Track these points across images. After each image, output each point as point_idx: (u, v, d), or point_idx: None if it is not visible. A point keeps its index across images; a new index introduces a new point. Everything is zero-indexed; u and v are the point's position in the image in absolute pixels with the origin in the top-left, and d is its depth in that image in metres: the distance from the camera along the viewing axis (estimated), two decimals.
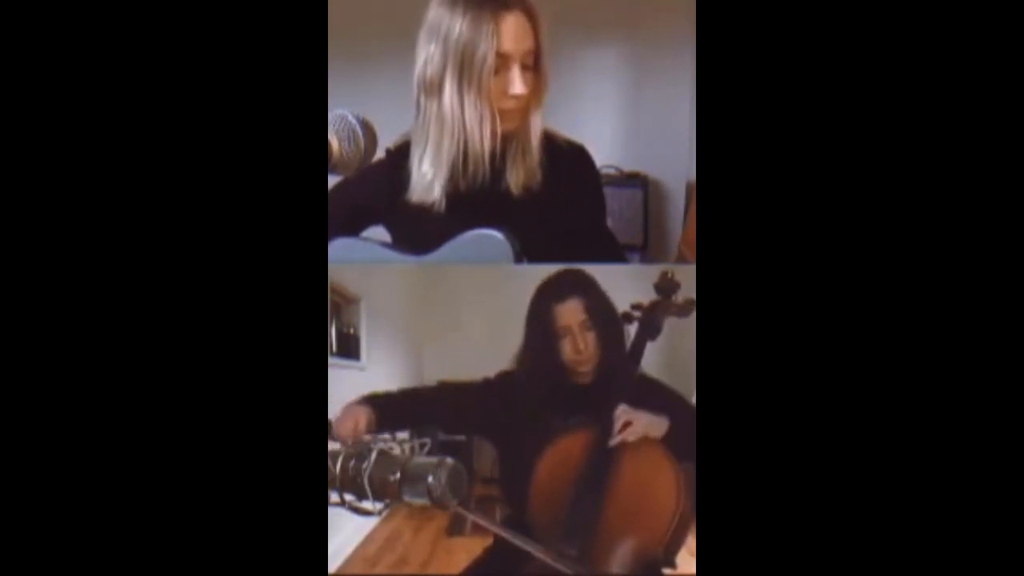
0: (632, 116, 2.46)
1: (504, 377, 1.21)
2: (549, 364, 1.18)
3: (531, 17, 1.25)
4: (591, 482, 1.10)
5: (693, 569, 1.01)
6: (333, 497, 0.96)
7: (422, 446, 0.97)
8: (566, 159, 1.35)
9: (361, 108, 1.07)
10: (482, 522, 1.05)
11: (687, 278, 1.17)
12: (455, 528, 1.34)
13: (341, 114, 1.05)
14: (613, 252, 1.42)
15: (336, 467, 0.95)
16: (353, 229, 1.35)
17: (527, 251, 1.25)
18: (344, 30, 1.58)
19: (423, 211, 1.30)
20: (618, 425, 1.10)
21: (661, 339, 1.17)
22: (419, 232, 1.31)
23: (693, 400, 1.09)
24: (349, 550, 1.36)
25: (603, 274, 1.19)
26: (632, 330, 1.18)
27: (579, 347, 1.16)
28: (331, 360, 1.29)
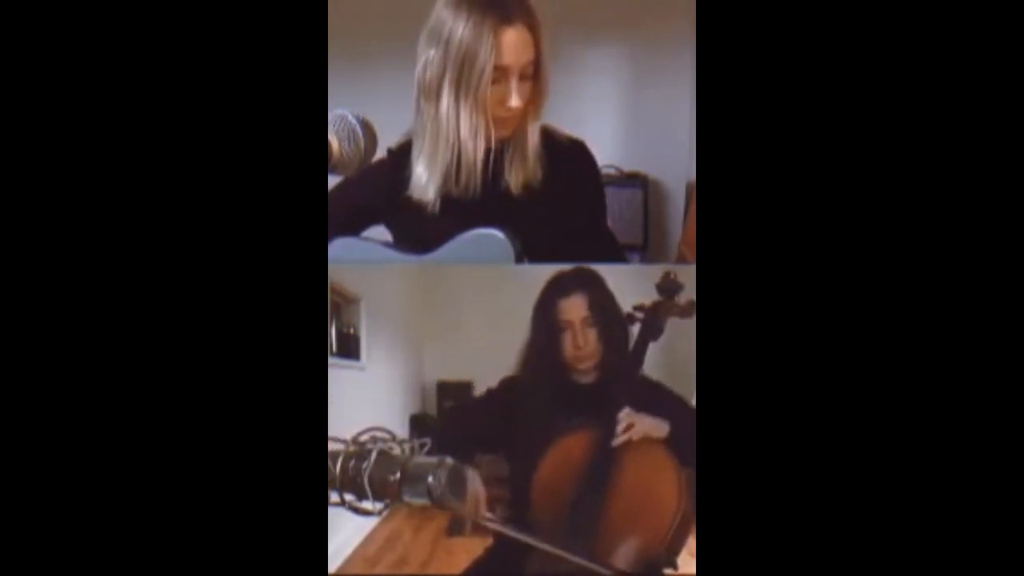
0: (632, 116, 2.46)
1: (507, 383, 1.21)
2: (551, 359, 1.18)
3: (533, 29, 1.25)
4: (593, 482, 1.10)
5: (693, 569, 1.01)
6: (333, 497, 0.96)
7: (422, 446, 0.96)
8: (566, 156, 1.35)
9: (361, 108, 1.07)
10: (483, 520, 1.05)
11: (687, 278, 1.17)
12: (455, 528, 1.34)
13: (341, 114, 1.05)
14: (613, 251, 1.43)
15: (336, 467, 0.95)
16: (353, 229, 1.35)
17: (527, 250, 1.25)
18: (344, 30, 1.58)
19: (423, 211, 1.30)
20: (621, 427, 1.10)
21: (663, 340, 1.17)
22: (420, 232, 1.31)
23: (694, 401, 1.09)
24: (349, 550, 1.36)
25: (606, 274, 1.19)
26: (634, 331, 1.18)
27: (579, 343, 1.17)
28: (331, 360, 1.29)
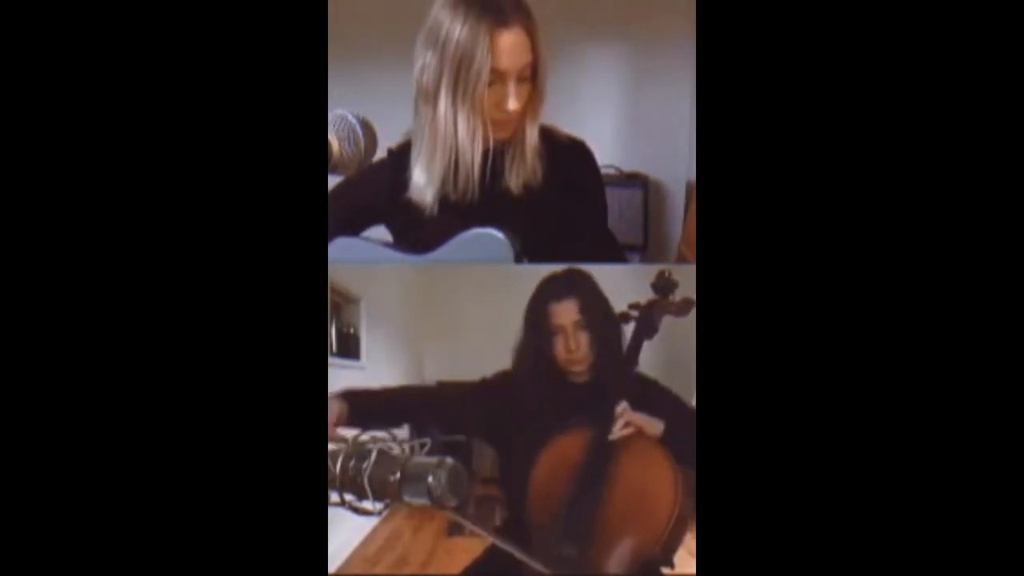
0: (632, 116, 2.46)
1: (502, 378, 1.21)
2: (544, 362, 1.18)
3: (530, 32, 1.24)
4: (589, 481, 1.10)
5: (693, 569, 1.01)
6: (333, 497, 0.96)
7: (422, 446, 0.96)
8: (566, 155, 1.35)
9: (361, 108, 1.07)
10: (478, 530, 1.05)
11: (687, 278, 1.17)
12: (455, 528, 1.34)
13: (341, 114, 1.05)
14: (613, 251, 1.43)
15: (336, 467, 0.95)
16: (353, 229, 1.35)
17: (528, 250, 1.25)
18: (344, 30, 1.58)
19: (423, 212, 1.30)
20: (619, 423, 1.10)
21: (659, 339, 1.17)
22: (419, 232, 1.31)
23: (691, 400, 1.10)
24: (349, 550, 1.36)
25: (602, 274, 1.19)
26: (629, 329, 1.18)
27: (570, 347, 1.17)
28: (331, 360, 1.29)
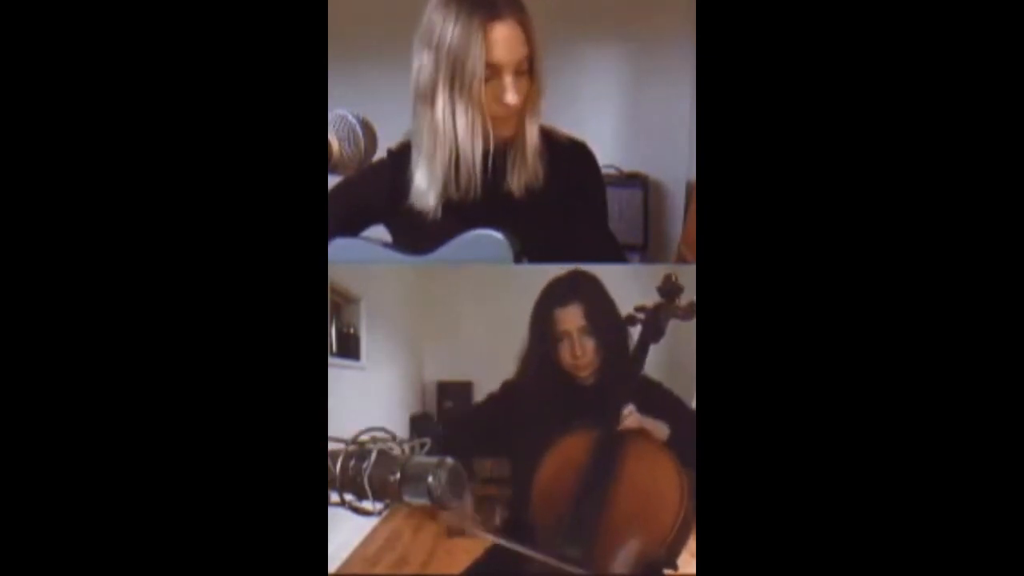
0: (632, 116, 2.46)
1: (508, 387, 1.21)
2: (550, 367, 1.18)
3: (524, 25, 1.24)
4: (594, 483, 1.10)
5: (693, 569, 1.01)
6: (333, 497, 0.96)
7: (422, 446, 0.96)
8: (567, 157, 1.34)
9: (361, 108, 1.07)
10: (477, 531, 1.05)
11: (687, 279, 1.17)
12: (455, 529, 1.34)
13: (341, 114, 1.05)
14: (614, 253, 1.42)
15: (336, 467, 0.95)
16: (353, 229, 1.35)
17: (528, 251, 1.25)
18: (344, 30, 1.58)
19: (425, 214, 1.30)
20: (625, 424, 1.10)
21: (664, 342, 1.17)
22: (420, 232, 1.31)
23: (694, 402, 1.09)
24: (349, 550, 1.36)
25: (607, 276, 1.19)
26: (635, 331, 1.18)
27: (576, 352, 1.17)
28: (331, 360, 1.29)
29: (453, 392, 1.44)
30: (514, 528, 1.13)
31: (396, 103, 1.32)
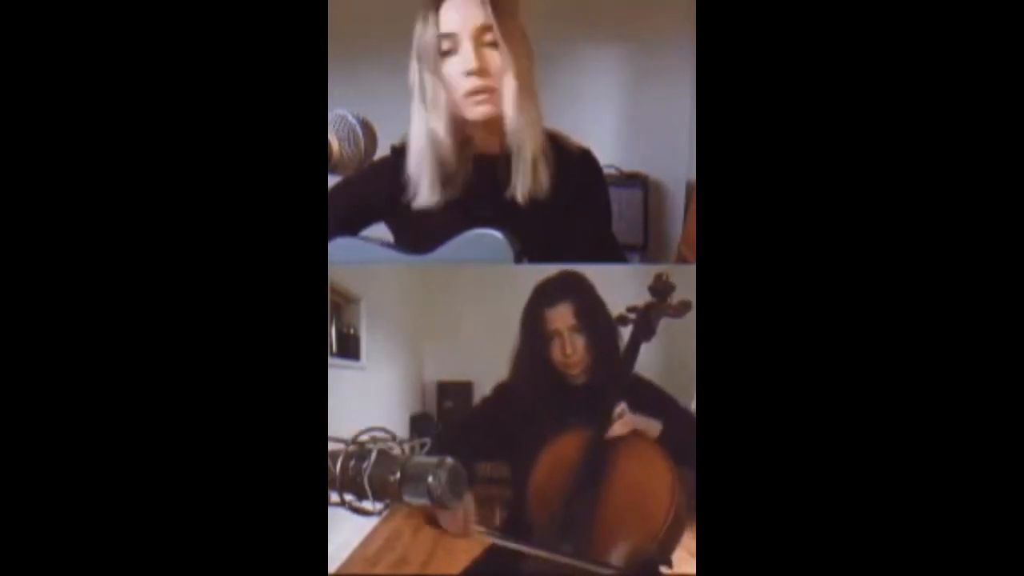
0: (632, 116, 2.46)
1: (501, 390, 1.22)
2: (541, 366, 1.18)
3: None
4: (587, 481, 1.10)
5: (692, 569, 1.01)
6: (333, 497, 0.96)
7: (422, 446, 0.96)
8: (573, 164, 1.34)
9: (361, 108, 1.07)
10: (476, 529, 1.06)
11: (687, 279, 1.17)
12: None
13: (341, 114, 1.05)
14: (615, 255, 1.43)
15: (336, 467, 0.95)
16: (353, 229, 1.35)
17: (530, 255, 1.25)
18: (344, 30, 1.58)
19: (424, 211, 1.30)
20: (616, 424, 1.10)
21: (657, 340, 1.17)
22: (420, 232, 1.31)
23: (690, 401, 1.10)
24: (349, 550, 1.36)
25: (604, 276, 1.19)
26: (626, 331, 1.18)
27: (567, 351, 1.17)
28: (331, 360, 1.29)
29: (453, 392, 1.44)
30: (513, 527, 1.13)
31: (396, 103, 1.32)
